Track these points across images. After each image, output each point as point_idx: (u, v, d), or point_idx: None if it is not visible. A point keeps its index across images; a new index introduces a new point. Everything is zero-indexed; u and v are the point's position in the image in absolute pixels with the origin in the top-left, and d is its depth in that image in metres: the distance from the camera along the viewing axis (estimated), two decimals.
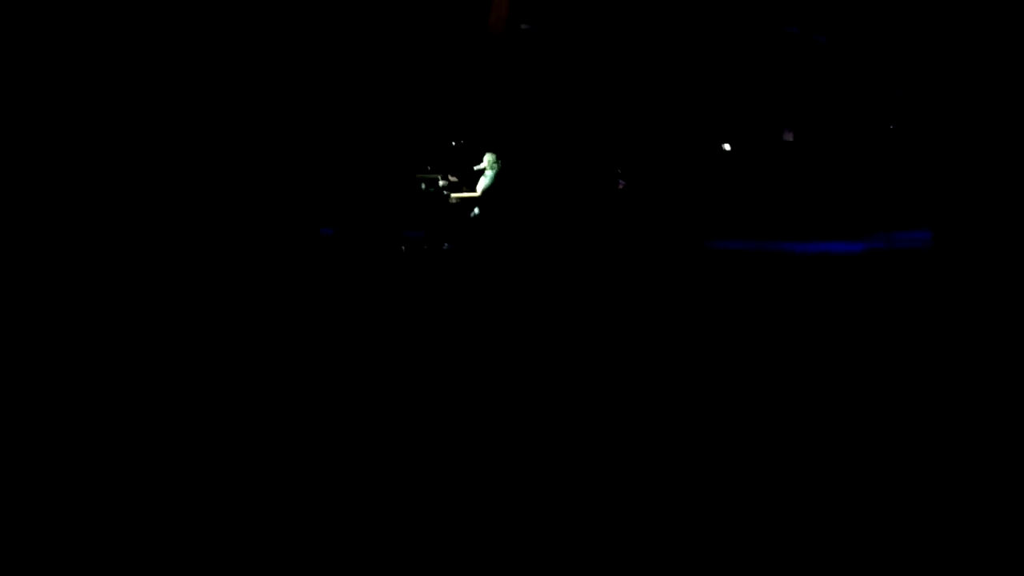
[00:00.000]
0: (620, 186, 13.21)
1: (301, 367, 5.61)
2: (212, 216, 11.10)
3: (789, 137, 14.59)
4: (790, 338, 7.32)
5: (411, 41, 13.61)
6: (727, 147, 14.40)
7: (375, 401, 4.91)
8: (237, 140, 12.11)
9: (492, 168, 11.62)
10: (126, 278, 8.59)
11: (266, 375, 5.45)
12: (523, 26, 13.98)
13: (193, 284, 8.46)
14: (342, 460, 4.04)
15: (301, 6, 12.89)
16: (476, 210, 11.61)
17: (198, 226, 10.81)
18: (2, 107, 10.85)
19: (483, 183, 11.66)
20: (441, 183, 11.65)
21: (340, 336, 6.58)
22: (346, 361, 5.81)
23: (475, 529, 3.38)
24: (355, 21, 13.33)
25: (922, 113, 13.95)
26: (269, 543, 3.28)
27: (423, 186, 11.60)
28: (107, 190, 10.85)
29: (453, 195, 11.62)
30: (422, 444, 4.23)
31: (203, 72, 12.18)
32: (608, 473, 3.98)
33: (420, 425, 4.51)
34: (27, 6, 11.08)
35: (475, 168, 11.69)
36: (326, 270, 9.63)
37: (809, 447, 4.43)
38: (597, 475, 3.93)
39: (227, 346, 6.19)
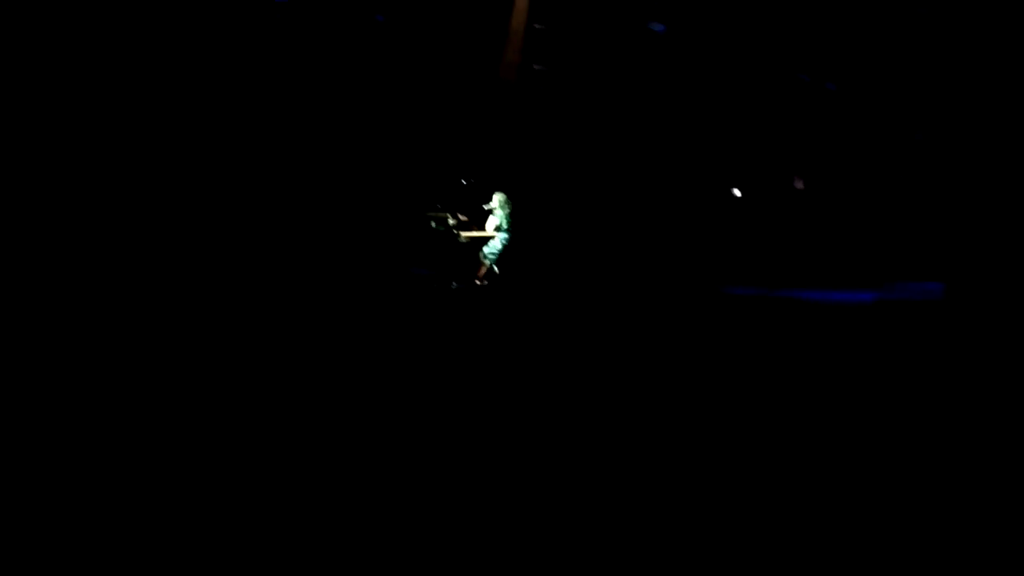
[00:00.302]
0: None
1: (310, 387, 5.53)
2: (231, 245, 11.11)
3: (800, 185, 14.59)
4: (800, 383, 7.21)
5: (424, 82, 13.68)
6: (737, 192, 14.39)
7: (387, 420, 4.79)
8: (254, 170, 12.15)
9: (502, 207, 11.54)
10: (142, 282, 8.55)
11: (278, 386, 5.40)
12: (536, 67, 14.06)
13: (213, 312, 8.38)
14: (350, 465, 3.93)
15: (322, 47, 13.00)
16: (485, 249, 11.52)
17: (216, 253, 10.84)
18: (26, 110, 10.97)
19: (493, 222, 11.58)
20: (451, 222, 11.55)
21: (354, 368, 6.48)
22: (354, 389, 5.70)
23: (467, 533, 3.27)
24: (370, 62, 13.41)
25: (934, 165, 13.96)
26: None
27: (433, 224, 11.51)
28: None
29: (463, 234, 11.53)
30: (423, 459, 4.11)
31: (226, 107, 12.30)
32: (612, 505, 3.85)
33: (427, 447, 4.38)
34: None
35: (485, 207, 11.61)
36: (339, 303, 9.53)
37: (819, 490, 4.30)
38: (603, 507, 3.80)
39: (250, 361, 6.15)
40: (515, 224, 11.60)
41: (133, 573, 3.08)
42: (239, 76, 12.67)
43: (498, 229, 11.51)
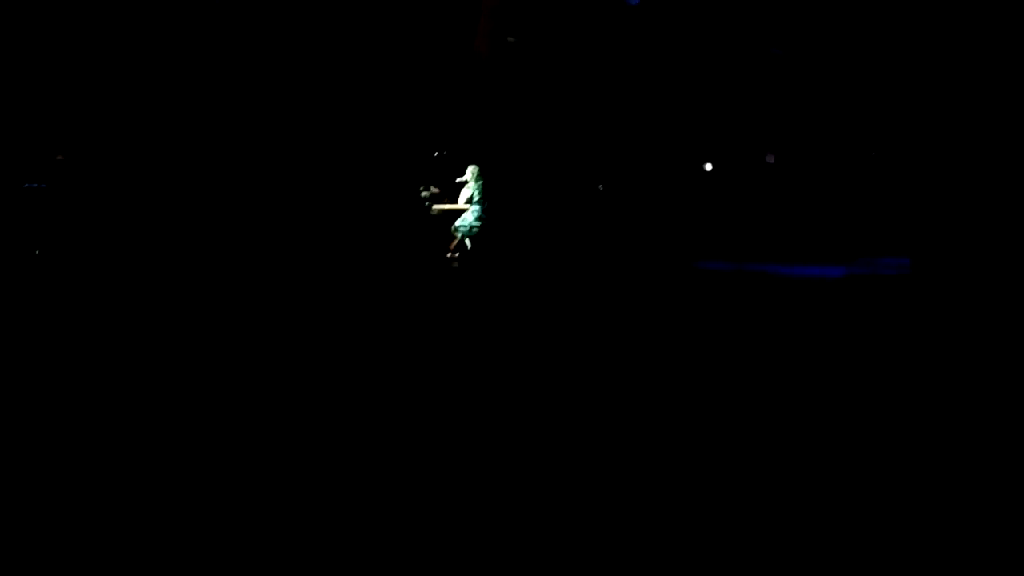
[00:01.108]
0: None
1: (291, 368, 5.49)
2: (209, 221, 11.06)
3: (771, 159, 14.66)
4: (771, 358, 7.26)
5: (397, 54, 13.54)
6: (708, 167, 14.43)
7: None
8: (228, 144, 12.04)
9: (475, 180, 11.50)
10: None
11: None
12: (510, 39, 13.95)
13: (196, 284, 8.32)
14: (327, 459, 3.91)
15: (293, 24, 12.85)
16: (458, 222, 11.49)
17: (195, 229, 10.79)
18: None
19: (465, 195, 11.54)
20: (423, 194, 11.50)
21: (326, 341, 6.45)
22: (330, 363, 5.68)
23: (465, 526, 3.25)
24: (344, 35, 13.26)
25: (903, 140, 14.05)
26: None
27: (405, 197, 11.47)
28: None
29: (435, 206, 11.48)
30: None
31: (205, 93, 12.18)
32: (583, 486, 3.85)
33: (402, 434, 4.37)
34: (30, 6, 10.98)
35: (457, 180, 11.56)
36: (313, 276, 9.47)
37: (785, 466, 4.34)
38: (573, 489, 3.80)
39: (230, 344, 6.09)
40: (488, 197, 11.57)
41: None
42: (210, 52, 12.49)
43: (470, 202, 11.48)
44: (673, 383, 6.04)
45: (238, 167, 11.92)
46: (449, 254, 11.52)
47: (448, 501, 3.65)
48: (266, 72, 12.62)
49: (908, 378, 6.60)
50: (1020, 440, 4.89)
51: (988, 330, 8.92)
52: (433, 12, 13.73)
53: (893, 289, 11.37)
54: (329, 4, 13.05)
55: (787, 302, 10.27)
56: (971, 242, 11.73)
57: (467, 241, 11.53)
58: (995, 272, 11.40)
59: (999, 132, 12.26)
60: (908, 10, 13.62)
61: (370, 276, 10.09)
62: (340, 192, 11.96)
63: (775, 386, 6.12)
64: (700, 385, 5.98)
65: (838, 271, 12.22)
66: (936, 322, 9.43)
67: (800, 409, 5.49)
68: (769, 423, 5.15)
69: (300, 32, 12.88)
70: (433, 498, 3.70)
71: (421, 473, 3.96)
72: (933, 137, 13.02)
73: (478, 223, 11.47)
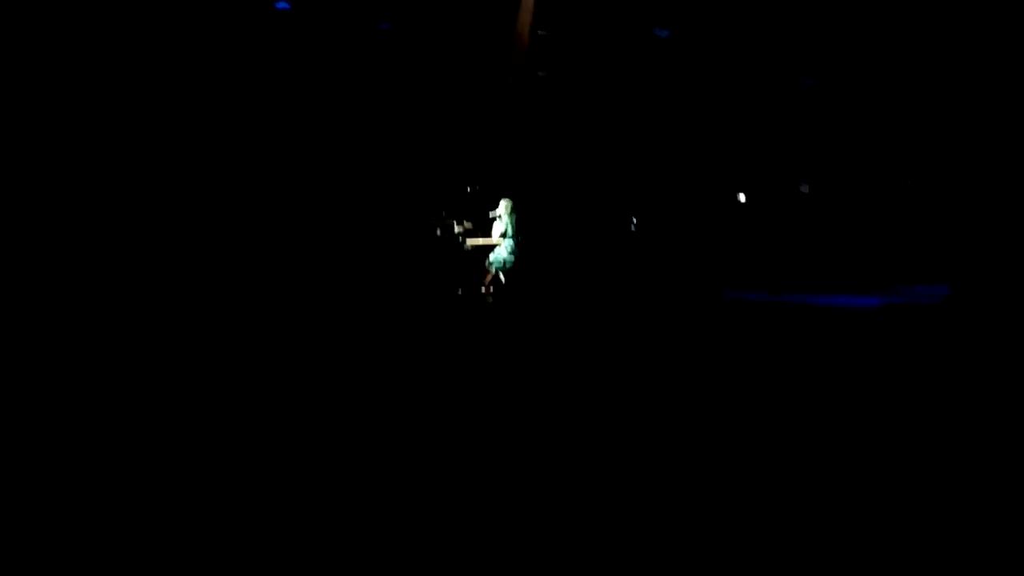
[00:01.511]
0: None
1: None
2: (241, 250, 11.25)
3: (805, 189, 14.60)
4: (807, 389, 7.20)
5: (429, 90, 13.73)
6: (742, 198, 14.40)
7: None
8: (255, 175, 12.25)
9: (508, 215, 11.56)
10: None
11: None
12: (540, 73, 14.08)
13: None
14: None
15: (328, 56, 13.08)
16: (491, 256, 11.55)
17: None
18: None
19: (498, 229, 11.60)
20: (456, 229, 11.59)
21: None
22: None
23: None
24: (376, 71, 13.48)
25: (938, 169, 13.96)
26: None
27: (438, 232, 11.55)
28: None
29: (468, 241, 11.56)
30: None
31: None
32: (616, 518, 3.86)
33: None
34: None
35: (490, 214, 11.64)
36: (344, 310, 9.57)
37: (825, 496, 4.31)
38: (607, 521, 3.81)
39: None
40: (521, 231, 11.63)
41: (133, 573, 3.10)
42: (249, 87, 12.76)
43: (504, 236, 11.54)
44: (707, 413, 6.02)
45: (278, 200, 12.12)
46: (483, 288, 11.57)
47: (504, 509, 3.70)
48: (310, 115, 12.86)
49: (951, 407, 6.52)
50: None
51: None
52: (465, 49, 13.92)
53: (931, 318, 11.25)
54: (368, 54, 13.30)
55: (827, 332, 10.20)
56: (1010, 271, 11.59)
57: (501, 275, 11.59)
58: None
59: None
60: (934, 42, 13.58)
61: (406, 310, 10.17)
62: (375, 227, 12.10)
63: (815, 415, 6.08)
64: (735, 416, 5.95)
65: (875, 301, 12.12)
66: (976, 351, 9.30)
67: (843, 438, 5.46)
68: (813, 452, 5.12)
69: (343, 79, 13.12)
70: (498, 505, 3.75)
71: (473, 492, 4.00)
72: (970, 166, 12.92)
73: (512, 257, 11.53)
